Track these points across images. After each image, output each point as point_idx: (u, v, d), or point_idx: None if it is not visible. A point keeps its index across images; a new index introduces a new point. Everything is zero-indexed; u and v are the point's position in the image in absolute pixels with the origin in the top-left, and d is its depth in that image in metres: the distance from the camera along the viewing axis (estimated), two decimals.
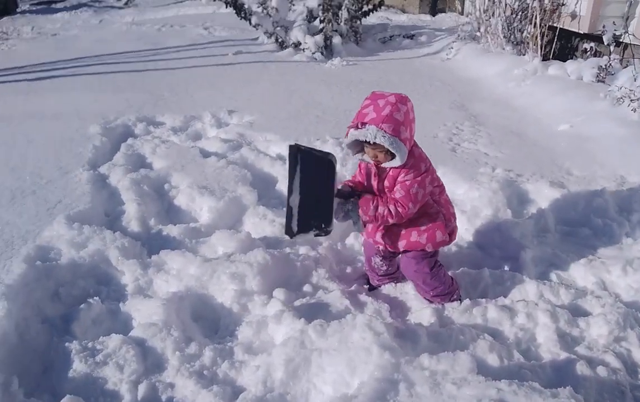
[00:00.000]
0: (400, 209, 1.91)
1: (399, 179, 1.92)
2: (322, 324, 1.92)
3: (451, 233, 2.11)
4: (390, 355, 1.72)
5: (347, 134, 1.90)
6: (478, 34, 6.61)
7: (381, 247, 2.17)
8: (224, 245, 2.52)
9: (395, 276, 2.34)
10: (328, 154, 1.89)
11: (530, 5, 5.67)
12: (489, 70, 5.62)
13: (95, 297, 2.17)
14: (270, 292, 2.23)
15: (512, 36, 6.02)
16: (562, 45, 6.01)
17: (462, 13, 9.26)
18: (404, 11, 10.99)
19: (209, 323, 2.18)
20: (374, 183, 2.01)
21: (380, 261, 2.25)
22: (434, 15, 10.11)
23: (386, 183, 1.98)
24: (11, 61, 6.88)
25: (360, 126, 1.81)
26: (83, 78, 5.93)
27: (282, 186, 3.21)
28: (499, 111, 4.50)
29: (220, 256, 2.44)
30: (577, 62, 5.10)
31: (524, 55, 5.79)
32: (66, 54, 7.17)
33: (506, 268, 2.45)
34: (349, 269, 2.48)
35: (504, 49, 6.08)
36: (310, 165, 1.82)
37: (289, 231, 1.85)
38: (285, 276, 2.35)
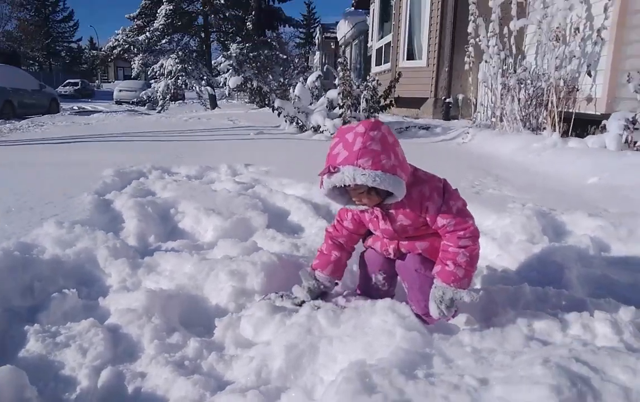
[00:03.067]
0: (469, 236, 1.58)
1: (430, 213, 1.59)
2: (334, 309, 1.59)
3: None
4: (418, 334, 1.36)
5: (321, 184, 1.58)
6: (493, 120, 6.74)
7: (392, 248, 1.75)
8: (227, 252, 2.25)
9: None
10: None
11: (545, 90, 5.81)
12: (507, 147, 5.57)
13: (72, 289, 1.89)
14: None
15: (527, 122, 6.10)
16: (578, 134, 6.02)
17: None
18: (417, 118, 11.53)
19: (204, 324, 1.83)
20: (387, 226, 1.67)
21: (383, 279, 1.88)
22: (447, 121, 10.53)
23: (404, 221, 1.63)
24: (42, 136, 7.25)
25: (333, 170, 1.51)
26: (109, 144, 6.17)
27: (295, 217, 3.00)
28: (520, 175, 4.34)
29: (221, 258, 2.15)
30: (597, 136, 5.02)
31: (541, 133, 5.79)
32: (95, 132, 7.56)
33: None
34: None
35: (520, 131, 6.12)
36: None
37: None
38: (293, 280, 2.02)
